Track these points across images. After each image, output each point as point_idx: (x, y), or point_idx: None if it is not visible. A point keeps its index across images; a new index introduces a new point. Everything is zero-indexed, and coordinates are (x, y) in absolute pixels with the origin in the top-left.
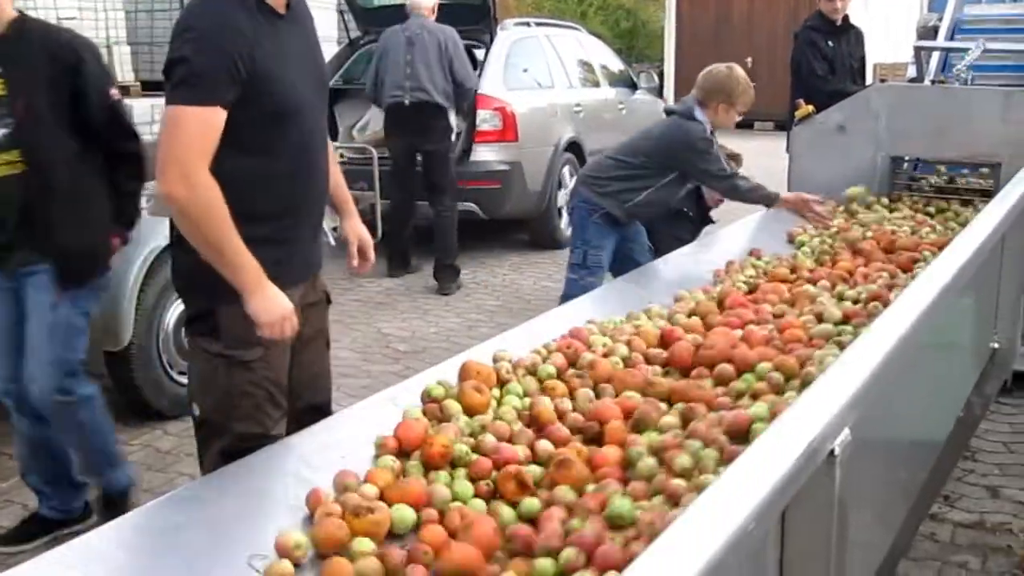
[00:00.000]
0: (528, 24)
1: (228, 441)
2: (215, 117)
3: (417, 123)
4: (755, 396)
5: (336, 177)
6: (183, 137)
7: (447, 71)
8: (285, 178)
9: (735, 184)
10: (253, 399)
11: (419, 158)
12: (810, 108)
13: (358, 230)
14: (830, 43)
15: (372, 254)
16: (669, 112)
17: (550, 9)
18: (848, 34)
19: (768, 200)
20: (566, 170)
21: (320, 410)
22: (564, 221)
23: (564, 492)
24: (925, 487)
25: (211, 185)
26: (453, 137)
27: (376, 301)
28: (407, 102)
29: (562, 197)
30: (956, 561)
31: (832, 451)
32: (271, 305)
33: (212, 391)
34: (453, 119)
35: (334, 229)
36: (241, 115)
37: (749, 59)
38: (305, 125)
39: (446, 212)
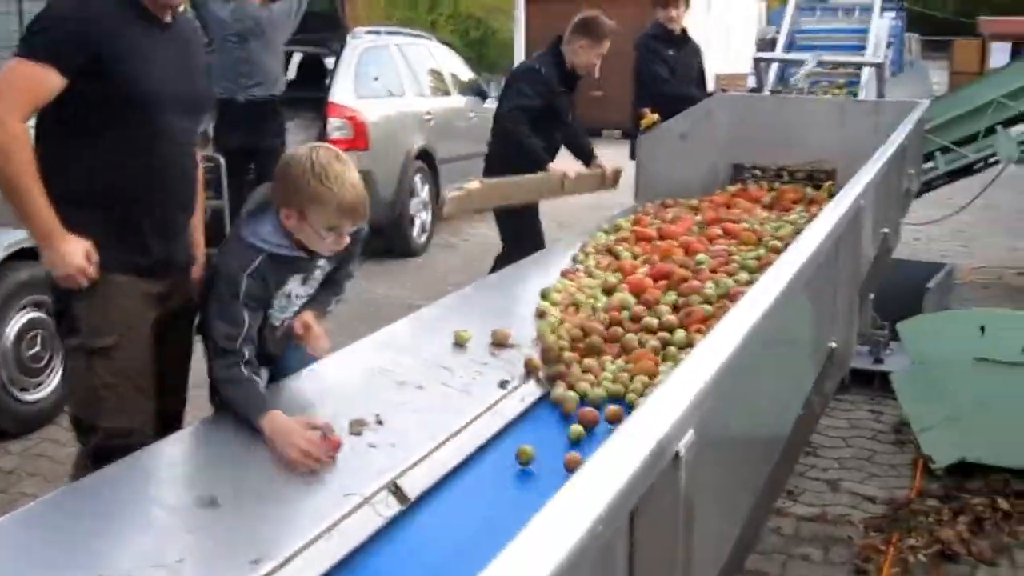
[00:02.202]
0: (378, 33)
1: (99, 439)
2: (45, 76)
3: (250, 121)
4: None
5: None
6: (6, 83)
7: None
8: (132, 167)
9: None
10: (116, 391)
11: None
12: (655, 117)
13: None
14: (671, 52)
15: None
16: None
17: (400, 19)
18: (686, 46)
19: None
20: (418, 178)
21: (170, 418)
22: (417, 229)
23: None
24: (769, 483)
25: (19, 133)
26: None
27: None
28: (241, 99)
29: (414, 205)
30: (800, 553)
31: (677, 453)
32: (59, 258)
33: (78, 386)
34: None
35: None
36: (94, 97)
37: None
38: (163, 125)
39: None
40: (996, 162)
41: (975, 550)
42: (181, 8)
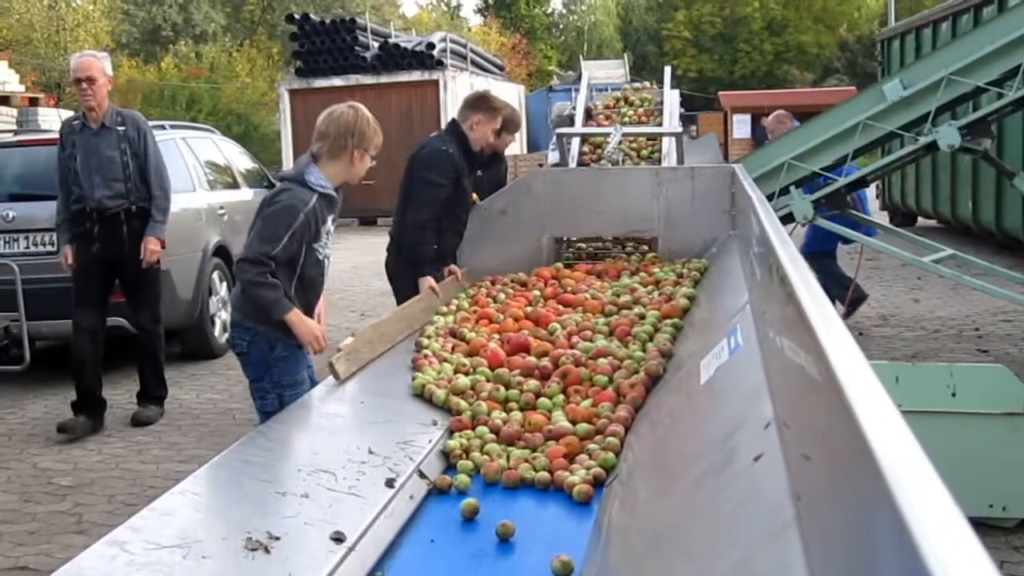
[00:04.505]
0: (163, 127)
1: None
2: None
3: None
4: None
5: None
6: None
7: None
8: None
9: (246, 267)
10: None
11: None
12: (473, 196)
13: None
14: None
15: None
16: (281, 179)
17: (158, 116)
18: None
19: (275, 309)
20: (216, 276)
21: None
22: (218, 329)
23: None
24: None
25: None
26: None
27: (25, 433)
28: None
29: (213, 304)
30: None
31: None
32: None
33: None
34: None
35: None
36: None
37: None
38: None
39: None
40: (789, 221)
41: None
42: None
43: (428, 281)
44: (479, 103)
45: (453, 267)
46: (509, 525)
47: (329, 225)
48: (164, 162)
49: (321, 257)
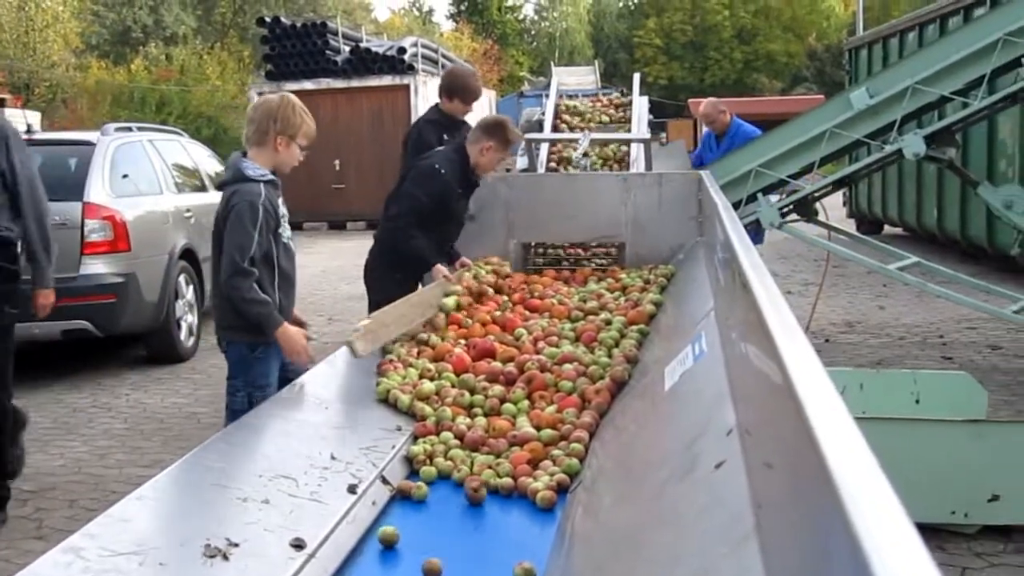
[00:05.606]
0: (130, 129)
1: None
2: None
3: None
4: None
5: None
6: None
7: None
8: None
9: (236, 283)
10: None
11: None
12: None
13: None
14: (444, 136)
15: None
16: (221, 185)
17: (127, 119)
18: (461, 128)
19: (268, 325)
20: (182, 279)
21: None
22: (184, 332)
23: None
24: None
25: None
26: None
27: None
28: None
29: (180, 307)
30: None
31: None
32: None
33: None
34: None
35: None
36: None
37: (337, 162)
38: None
39: None
40: (757, 228)
41: None
42: None
43: (441, 270)
44: (495, 130)
45: (465, 259)
46: (435, 562)
47: (282, 208)
48: (37, 177)
49: (286, 241)
